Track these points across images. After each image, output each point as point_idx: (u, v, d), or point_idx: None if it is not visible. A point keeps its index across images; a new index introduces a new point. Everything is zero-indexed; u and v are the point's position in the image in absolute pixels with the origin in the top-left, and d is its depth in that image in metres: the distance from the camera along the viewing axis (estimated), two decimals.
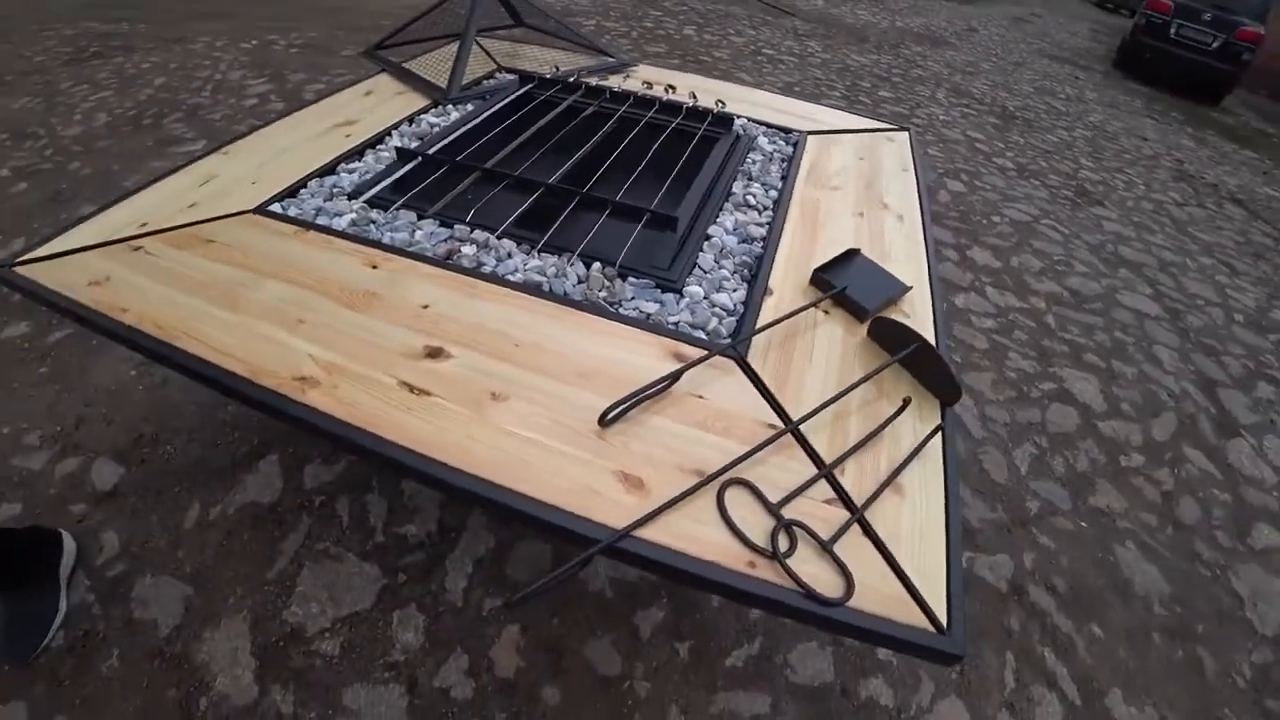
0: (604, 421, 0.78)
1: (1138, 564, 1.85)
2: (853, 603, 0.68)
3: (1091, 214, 3.94)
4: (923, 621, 0.68)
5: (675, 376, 0.83)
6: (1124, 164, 4.97)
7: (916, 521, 0.78)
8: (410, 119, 1.61)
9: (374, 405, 0.82)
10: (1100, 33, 12.28)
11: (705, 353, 0.89)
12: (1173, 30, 7.68)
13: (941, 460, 0.86)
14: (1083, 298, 3.02)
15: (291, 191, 1.30)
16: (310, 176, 1.35)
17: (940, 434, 0.88)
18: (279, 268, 1.06)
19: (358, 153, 1.45)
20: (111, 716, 1.27)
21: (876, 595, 0.69)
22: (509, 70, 1.97)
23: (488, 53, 2.12)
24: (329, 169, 1.39)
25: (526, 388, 0.84)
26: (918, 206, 1.50)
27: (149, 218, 1.21)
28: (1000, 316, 2.76)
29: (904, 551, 0.74)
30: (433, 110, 1.67)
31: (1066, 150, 4.98)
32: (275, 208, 1.24)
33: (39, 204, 2.86)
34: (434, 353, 0.89)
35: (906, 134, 1.92)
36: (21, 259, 1.11)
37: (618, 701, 1.34)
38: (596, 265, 1.05)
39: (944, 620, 0.68)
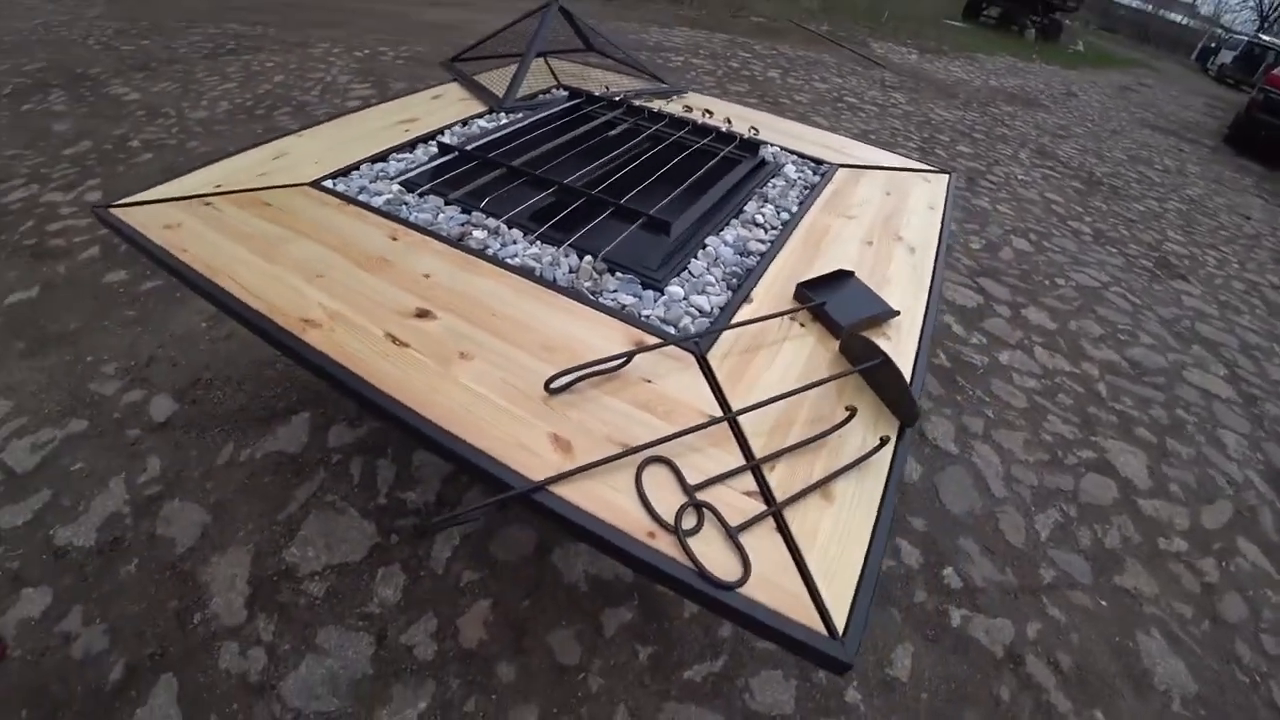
0: (549, 388, 0.83)
1: (1162, 655, 1.71)
2: (745, 590, 0.69)
3: (1171, 288, 3.73)
4: (816, 623, 0.68)
5: (628, 357, 0.88)
6: (1219, 241, 4.68)
7: (839, 528, 0.78)
8: (464, 121, 1.75)
9: (360, 350, 0.91)
10: (1216, 108, 11.63)
11: (660, 341, 0.93)
12: None
13: (885, 475, 0.87)
14: (1143, 370, 2.86)
15: (345, 172, 1.45)
16: (364, 161, 1.49)
17: (887, 449, 0.88)
18: (315, 231, 1.19)
19: (410, 145, 1.60)
20: (118, 614, 1.41)
21: (774, 589, 0.70)
22: (567, 88, 2.10)
23: (553, 72, 2.27)
24: (381, 156, 1.53)
25: (492, 352, 0.92)
26: (935, 243, 1.50)
27: (224, 181, 1.38)
28: (1045, 378, 2.64)
29: (815, 553, 0.75)
30: (486, 115, 1.81)
31: (1154, 221, 4.74)
32: (328, 183, 1.39)
33: (156, 172, 3.22)
34: (422, 313, 0.98)
35: (947, 177, 1.91)
36: (116, 203, 1.28)
37: (569, 690, 1.37)
38: (588, 258, 1.12)
39: (840, 626, 0.69)
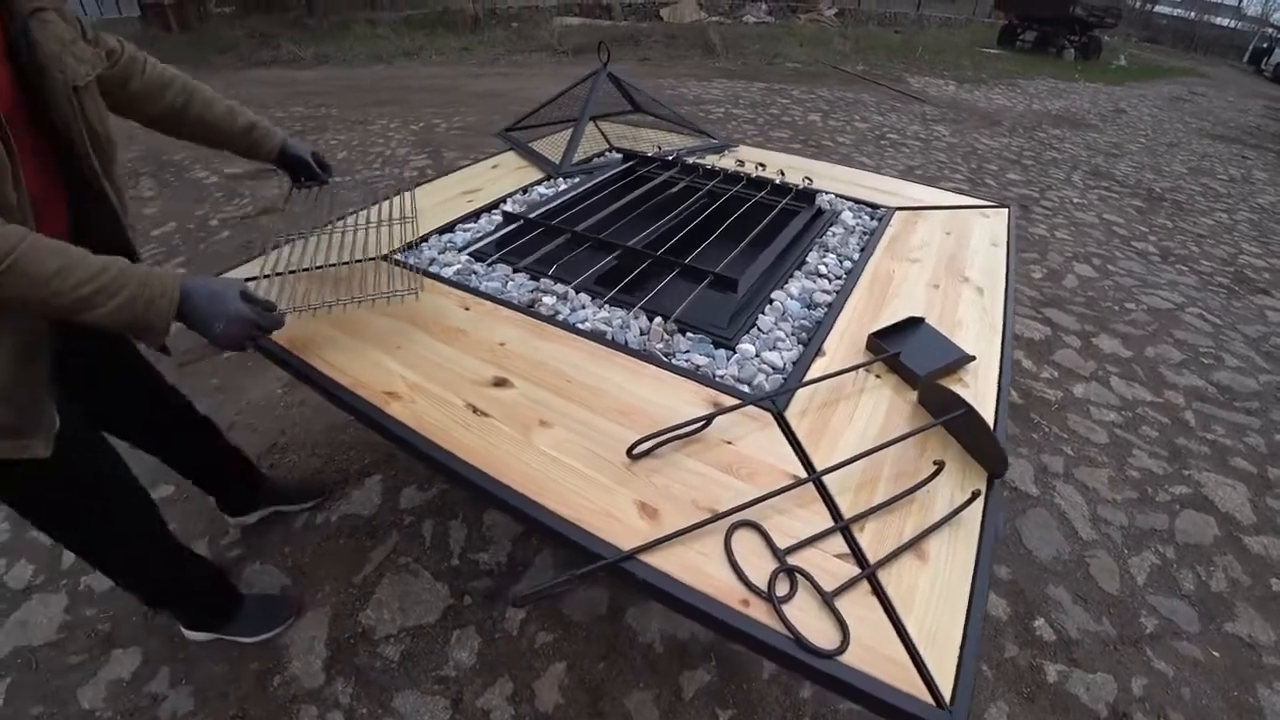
0: (632, 454, 0.85)
1: None
2: (845, 658, 0.68)
3: (1253, 304, 3.53)
4: (922, 691, 0.66)
5: (708, 420, 0.89)
6: None
7: (936, 589, 0.76)
8: (524, 189, 1.83)
9: (441, 421, 0.95)
10: (1277, 110, 11.13)
11: (739, 402, 0.94)
12: None
13: (978, 531, 0.84)
14: (1234, 394, 2.69)
15: (415, 244, 1.52)
16: (432, 233, 1.57)
17: (978, 502, 0.86)
18: (392, 305, 1.24)
19: (474, 215, 1.67)
20: (203, 675, 1.46)
21: (874, 656, 0.68)
22: (619, 149, 2.18)
23: (604, 134, 2.36)
24: (448, 227, 1.60)
25: (571, 418, 0.94)
26: (1003, 281, 1.47)
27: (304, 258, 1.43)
28: (1126, 410, 2.52)
29: (914, 617, 0.73)
30: (545, 182, 1.89)
31: (1225, 234, 4.52)
32: (398, 256, 1.44)
33: (233, 250, 3.44)
34: (500, 382, 1.01)
35: (1005, 210, 1.88)
36: None
37: None
38: (658, 319, 1.14)
39: (947, 694, 0.66)
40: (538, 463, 0.86)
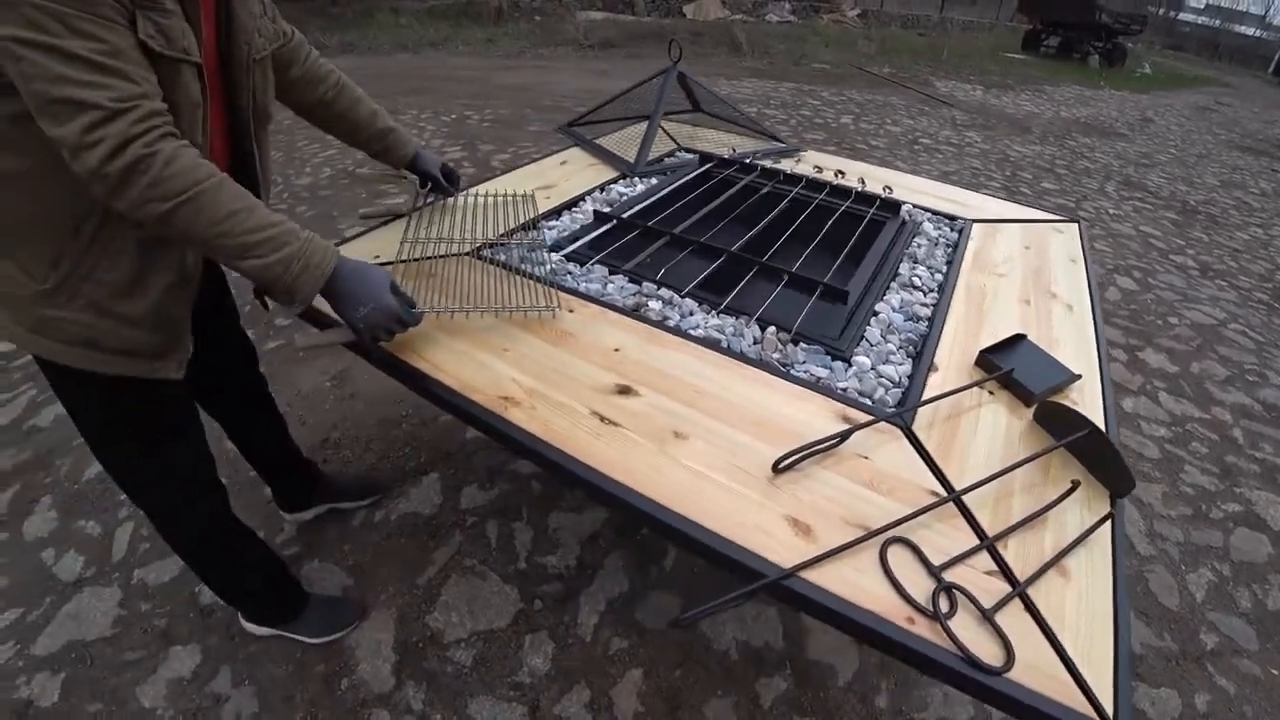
0: (777, 468, 0.86)
1: None
2: (1011, 675, 0.69)
3: None
4: (1086, 708, 0.67)
5: (845, 435, 0.90)
6: None
7: (1082, 607, 0.77)
8: (601, 187, 1.82)
9: (568, 429, 0.93)
10: None
11: (872, 417, 0.95)
12: None
13: (1110, 550, 0.85)
14: None
15: (500, 240, 1.47)
16: (518, 229, 1.51)
17: (1110, 523, 0.87)
18: (489, 304, 1.19)
19: (555, 213, 1.65)
20: (266, 676, 1.44)
21: (1036, 673, 0.70)
22: (687, 150, 2.18)
23: (668, 133, 2.35)
24: (531, 224, 1.54)
25: (705, 430, 0.93)
26: (1087, 298, 1.48)
27: (381, 252, 1.40)
28: (1176, 425, 2.52)
29: (1068, 634, 0.74)
30: (621, 181, 1.89)
31: (1261, 250, 4.51)
32: (485, 253, 1.41)
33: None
34: (624, 390, 1.01)
35: (1076, 225, 1.89)
36: None
37: None
38: (771, 329, 1.14)
39: (1110, 711, 0.68)
40: (680, 476, 0.86)
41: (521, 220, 1.54)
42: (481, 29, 11.83)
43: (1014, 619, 0.75)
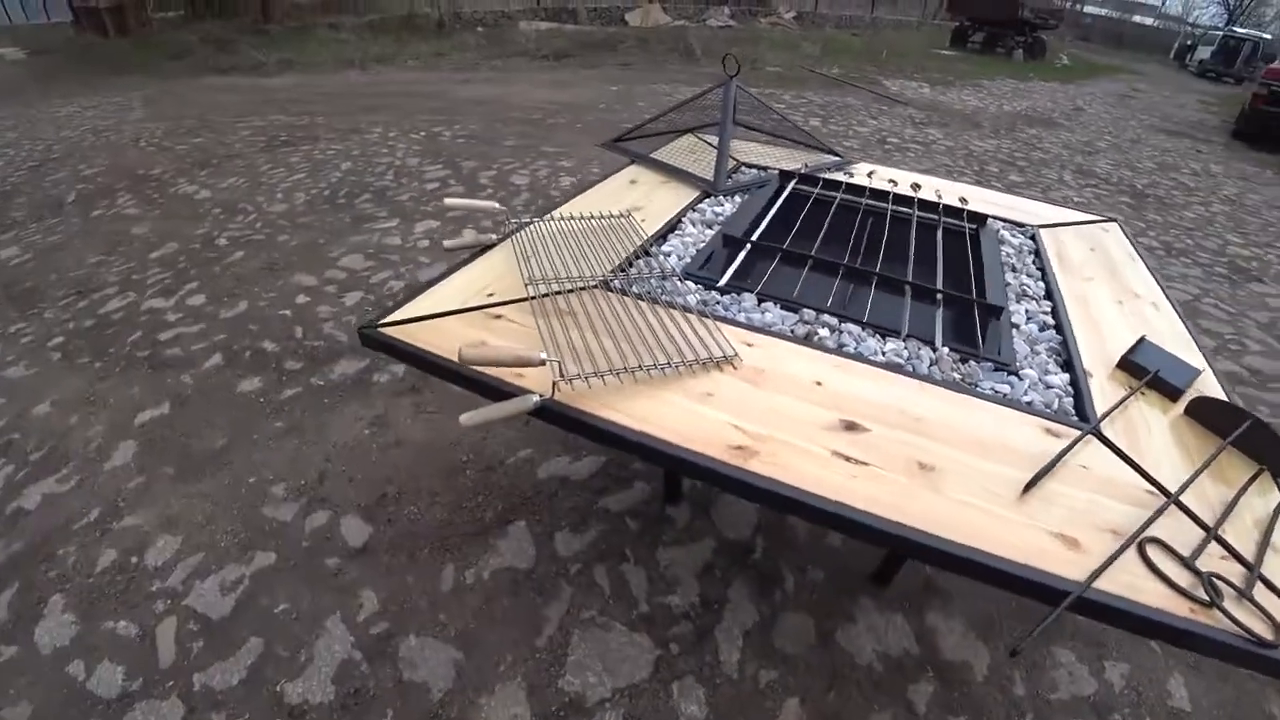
0: (1028, 489, 0.94)
1: None
2: None
3: (1251, 291, 3.88)
4: None
5: (1066, 450, 1.00)
6: (1272, 238, 4.86)
7: None
8: (691, 207, 1.81)
9: (821, 474, 0.92)
10: (1209, 104, 12.06)
11: (1079, 430, 1.04)
12: None
13: None
14: (1266, 377, 2.98)
15: (622, 268, 1.43)
16: (631, 257, 1.48)
17: None
18: (670, 356, 1.12)
19: (660, 237, 1.63)
20: None
21: None
22: (749, 165, 2.24)
23: (709, 144, 2.34)
24: (644, 250, 1.51)
25: (944, 457, 0.98)
26: (1162, 294, 1.62)
27: (490, 286, 1.33)
28: None
29: None
30: (706, 199, 1.89)
31: (1208, 226, 4.93)
32: (614, 283, 1.36)
33: (256, 271, 3.18)
34: (850, 425, 1.02)
35: (1115, 224, 2.05)
36: (383, 321, 1.20)
37: None
38: (945, 349, 1.22)
39: None
40: (945, 506, 0.90)
41: (631, 247, 1.51)
42: (426, 42, 11.62)
43: (1263, 599, 0.85)
